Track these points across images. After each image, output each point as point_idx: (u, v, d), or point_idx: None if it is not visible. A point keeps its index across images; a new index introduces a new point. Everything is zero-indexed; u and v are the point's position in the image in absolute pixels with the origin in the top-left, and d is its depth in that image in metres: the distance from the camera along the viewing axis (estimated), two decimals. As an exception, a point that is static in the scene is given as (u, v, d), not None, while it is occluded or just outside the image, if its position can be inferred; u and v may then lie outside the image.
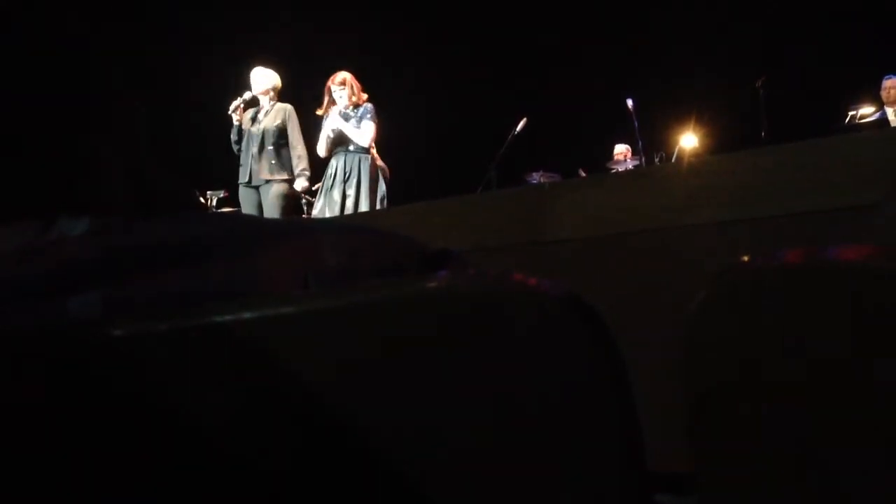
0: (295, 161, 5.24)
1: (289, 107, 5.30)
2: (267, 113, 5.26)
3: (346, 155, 5.02)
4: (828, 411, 0.38)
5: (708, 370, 0.42)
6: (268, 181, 5.21)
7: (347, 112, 5.03)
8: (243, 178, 5.28)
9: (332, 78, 5.11)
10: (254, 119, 5.30)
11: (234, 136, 5.34)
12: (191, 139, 7.21)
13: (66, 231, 0.52)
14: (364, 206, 4.91)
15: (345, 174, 5.01)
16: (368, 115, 5.00)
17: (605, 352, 0.41)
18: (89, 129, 0.56)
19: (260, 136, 5.21)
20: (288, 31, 7.81)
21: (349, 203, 4.95)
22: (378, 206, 4.98)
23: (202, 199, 6.28)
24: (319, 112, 5.20)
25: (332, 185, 5.05)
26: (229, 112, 5.29)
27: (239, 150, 5.35)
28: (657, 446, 0.53)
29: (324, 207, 5.04)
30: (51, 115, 0.54)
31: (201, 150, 7.11)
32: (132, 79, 0.59)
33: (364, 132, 4.99)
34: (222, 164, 5.90)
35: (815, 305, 0.38)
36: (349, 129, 5.01)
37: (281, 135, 5.24)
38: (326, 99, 5.13)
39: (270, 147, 5.21)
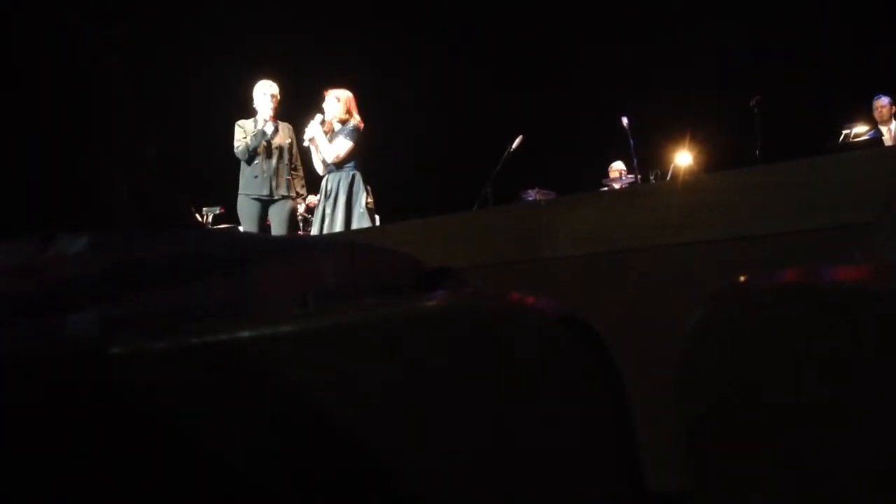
0: (299, 182, 5.38)
1: (290, 126, 5.38)
2: (277, 129, 5.28)
3: (330, 174, 5.09)
4: (826, 431, 0.38)
5: (705, 389, 0.42)
6: (284, 197, 5.26)
7: (331, 132, 5.06)
8: (261, 190, 5.25)
9: (330, 89, 5.16)
10: (265, 133, 5.26)
11: (252, 144, 5.26)
12: (186, 155, 7.22)
13: (65, 248, 0.52)
14: (338, 223, 4.93)
15: (326, 193, 5.08)
16: (345, 134, 5.02)
17: (604, 371, 0.41)
18: (91, 145, 0.56)
19: (278, 152, 5.25)
20: (285, 46, 7.85)
21: (327, 221, 5.00)
22: (356, 224, 4.97)
23: (198, 216, 6.27)
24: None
25: (318, 205, 5.17)
26: (306, 145, 5.27)
27: (251, 161, 5.29)
28: (656, 465, 0.53)
29: (313, 227, 5.14)
30: (52, 131, 0.54)
31: (197, 165, 7.11)
32: (136, 94, 0.59)
33: (334, 148, 5.02)
34: (221, 180, 5.90)
35: (812, 325, 0.38)
36: (322, 143, 5.05)
37: (290, 152, 5.33)
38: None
39: (287, 164, 5.31)
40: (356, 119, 5.07)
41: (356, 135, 5.02)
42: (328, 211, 5.03)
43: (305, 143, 5.16)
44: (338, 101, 5.08)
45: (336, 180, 5.03)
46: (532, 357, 0.42)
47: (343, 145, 4.99)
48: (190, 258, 0.52)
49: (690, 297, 0.43)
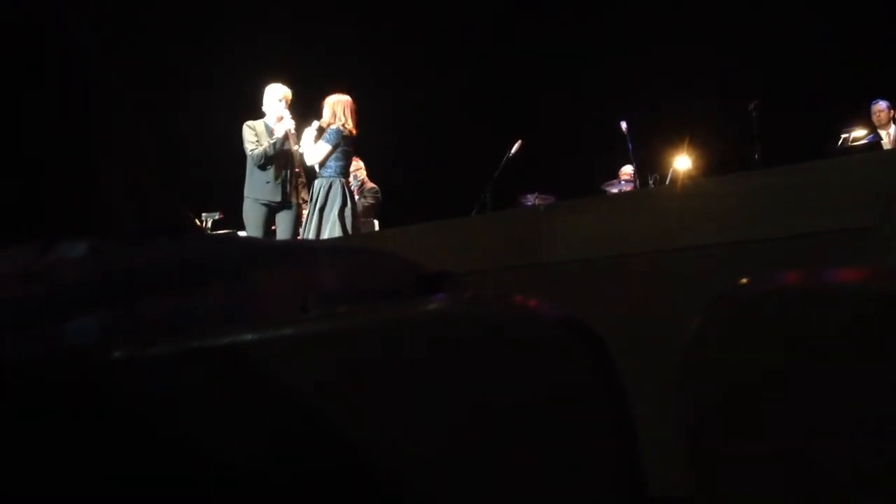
0: (303, 187, 5.38)
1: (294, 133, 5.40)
2: (287, 134, 5.28)
3: (315, 180, 5.15)
4: (828, 434, 0.38)
5: (706, 393, 0.42)
6: (292, 204, 5.27)
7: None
8: (273, 197, 5.24)
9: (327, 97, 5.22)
10: (277, 136, 5.25)
11: (271, 151, 5.25)
12: (186, 159, 7.22)
13: (65, 253, 0.52)
14: (311, 230, 4.97)
15: (311, 198, 5.14)
16: (325, 138, 5.06)
17: (605, 374, 0.41)
18: (91, 149, 0.56)
19: (290, 159, 5.26)
20: (287, 52, 7.85)
21: (304, 226, 5.05)
22: (326, 232, 4.98)
23: (197, 222, 6.27)
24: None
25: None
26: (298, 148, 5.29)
27: (266, 166, 5.28)
28: (657, 469, 0.53)
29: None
30: (52, 135, 0.54)
31: (196, 170, 7.11)
32: (136, 97, 0.59)
33: (312, 151, 5.07)
34: (221, 185, 5.91)
35: (814, 328, 0.38)
36: (306, 147, 5.12)
37: (296, 158, 5.34)
38: None
39: (297, 169, 5.33)
40: (339, 122, 5.08)
41: (336, 138, 5.03)
42: (307, 216, 5.09)
43: (300, 149, 5.22)
44: (326, 107, 5.14)
45: (319, 186, 5.09)
46: (533, 360, 0.42)
47: (320, 149, 5.04)
48: (190, 263, 0.52)
49: (690, 300, 0.43)
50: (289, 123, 5.20)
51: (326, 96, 5.23)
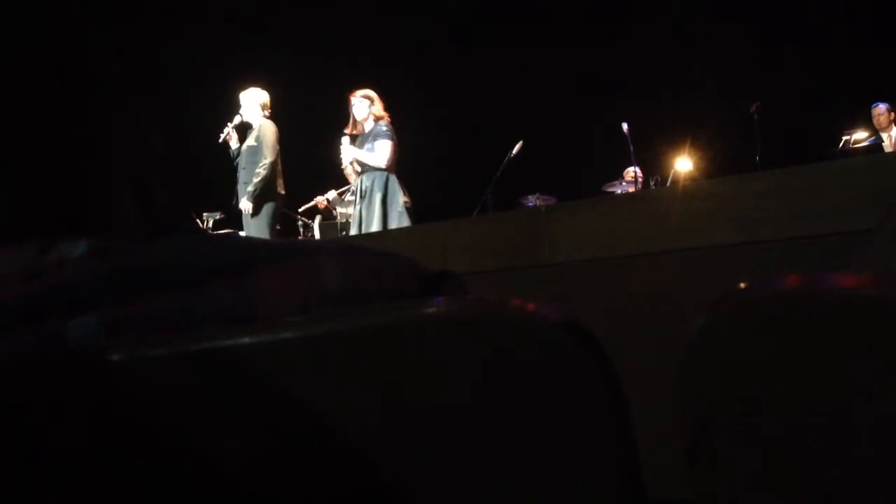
0: (256, 179, 5.15)
1: (265, 123, 5.20)
2: (227, 139, 5.29)
3: (364, 174, 5.00)
4: (828, 439, 0.38)
5: (706, 396, 0.42)
6: (247, 208, 5.23)
7: (364, 135, 5.00)
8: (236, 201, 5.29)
9: (353, 92, 5.10)
10: (230, 146, 5.33)
11: (235, 163, 5.34)
12: (189, 159, 7.23)
13: (67, 253, 0.52)
14: (375, 223, 4.86)
15: (361, 193, 5.00)
16: (384, 135, 4.92)
17: (604, 377, 0.41)
18: (93, 149, 0.56)
19: (241, 160, 5.24)
20: (289, 53, 7.86)
21: (364, 223, 4.95)
22: (395, 223, 4.90)
23: (199, 221, 6.29)
24: (347, 131, 5.14)
25: (354, 204, 5.08)
26: (219, 141, 5.32)
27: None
28: (657, 473, 0.53)
29: (351, 228, 5.08)
30: (53, 134, 0.55)
31: (199, 171, 7.12)
32: (139, 97, 0.59)
33: (379, 153, 4.92)
34: (221, 186, 5.92)
35: (814, 332, 0.38)
36: (363, 156, 4.96)
37: (253, 153, 5.16)
38: (351, 113, 5.11)
39: (244, 169, 5.20)
40: (385, 116, 5.01)
41: (391, 131, 4.94)
42: (364, 213, 4.94)
43: (346, 169, 5.12)
44: (371, 102, 4.99)
45: (371, 179, 4.94)
46: (532, 363, 0.42)
47: (386, 146, 4.90)
48: (191, 263, 0.52)
49: (690, 302, 0.43)
50: (226, 128, 5.22)
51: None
